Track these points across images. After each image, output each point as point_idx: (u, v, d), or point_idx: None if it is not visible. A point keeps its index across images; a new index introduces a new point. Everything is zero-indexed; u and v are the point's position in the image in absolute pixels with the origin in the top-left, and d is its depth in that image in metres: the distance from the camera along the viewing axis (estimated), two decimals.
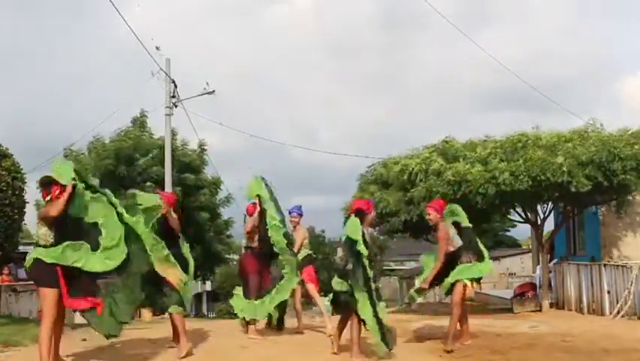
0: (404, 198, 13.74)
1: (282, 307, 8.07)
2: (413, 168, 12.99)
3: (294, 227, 8.50)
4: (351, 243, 6.12)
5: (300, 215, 8.60)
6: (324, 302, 7.99)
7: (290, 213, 8.48)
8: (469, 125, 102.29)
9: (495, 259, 33.81)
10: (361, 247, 6.01)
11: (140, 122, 19.59)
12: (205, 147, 20.69)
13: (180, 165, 19.09)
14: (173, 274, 6.23)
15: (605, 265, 12.28)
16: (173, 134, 19.74)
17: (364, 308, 6.07)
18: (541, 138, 12.25)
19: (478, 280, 7.38)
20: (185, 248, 6.79)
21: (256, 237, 7.94)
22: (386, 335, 6.18)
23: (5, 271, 14.14)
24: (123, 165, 17.75)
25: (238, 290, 7.97)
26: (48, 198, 5.41)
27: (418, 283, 7.67)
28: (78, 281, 5.32)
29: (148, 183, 17.66)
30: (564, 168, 11.27)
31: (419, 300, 7.98)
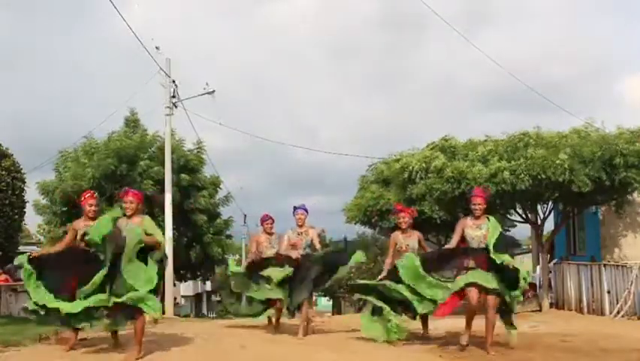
0: (404, 197, 13.76)
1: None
2: (413, 167, 13.02)
3: (300, 225, 8.23)
4: None
5: (307, 212, 8.34)
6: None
7: (295, 210, 8.25)
8: (469, 125, 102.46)
9: None
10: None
11: (133, 122, 19.50)
12: (203, 146, 20.62)
13: (178, 165, 19.07)
14: None
15: (605, 265, 12.28)
16: (172, 135, 19.68)
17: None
18: (544, 138, 12.26)
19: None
20: None
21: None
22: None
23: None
24: (124, 164, 17.72)
25: None
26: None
27: None
28: None
29: (150, 182, 17.61)
30: (565, 166, 11.27)
31: None
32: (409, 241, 7.68)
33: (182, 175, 19.01)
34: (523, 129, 12.64)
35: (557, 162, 11.32)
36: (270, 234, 8.76)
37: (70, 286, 6.33)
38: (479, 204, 6.81)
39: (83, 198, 7.08)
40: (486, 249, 6.59)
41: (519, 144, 12.16)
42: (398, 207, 8.17)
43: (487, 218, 6.82)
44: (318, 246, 8.16)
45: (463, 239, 6.82)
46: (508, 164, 11.74)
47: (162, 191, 16.95)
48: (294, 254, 7.93)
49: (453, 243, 6.86)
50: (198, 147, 20.51)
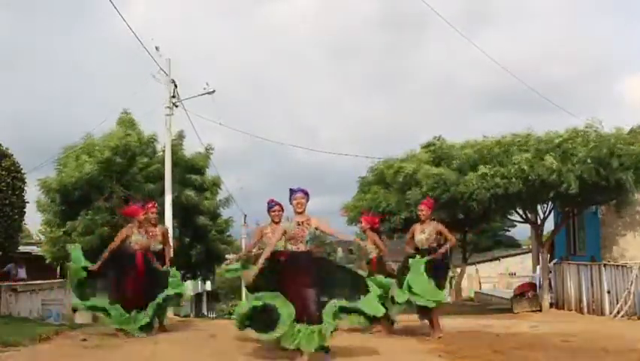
0: (404, 200, 13.82)
1: None
2: (408, 172, 13.14)
3: (300, 212, 6.16)
4: None
5: (307, 196, 6.28)
6: None
7: (293, 194, 6.24)
8: (469, 125, 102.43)
9: (495, 259, 33.96)
10: None
11: (128, 122, 19.47)
12: (211, 150, 20.72)
13: (186, 165, 19.18)
14: None
15: (605, 265, 12.28)
16: (181, 137, 19.76)
17: None
18: (530, 140, 12.28)
19: None
20: None
21: None
22: None
23: None
24: (123, 161, 17.74)
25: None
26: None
27: None
28: None
29: (152, 186, 17.63)
30: (554, 167, 11.33)
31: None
32: (365, 243, 8.79)
33: (194, 176, 19.14)
34: (513, 131, 12.75)
35: (546, 164, 11.37)
36: (278, 223, 7.14)
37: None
38: (421, 210, 8.16)
39: (137, 209, 8.36)
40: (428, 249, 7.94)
41: (512, 147, 12.23)
42: (362, 212, 9.55)
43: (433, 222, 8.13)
44: (329, 230, 6.44)
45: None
46: (502, 168, 11.80)
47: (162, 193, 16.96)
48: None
49: (407, 246, 8.34)
50: (207, 151, 20.59)
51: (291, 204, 6.28)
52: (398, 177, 13.49)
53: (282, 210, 7.25)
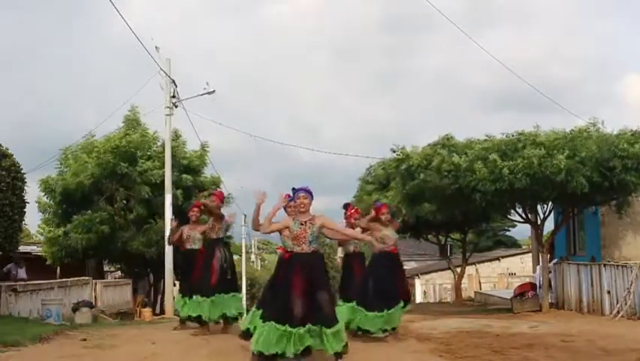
0: (402, 194, 13.72)
1: None
2: (413, 162, 13.00)
3: (303, 212, 5.99)
4: None
5: (311, 196, 6.07)
6: None
7: (296, 193, 6.07)
8: (471, 125, 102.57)
9: (495, 259, 33.98)
10: None
11: (133, 121, 19.48)
12: (207, 149, 20.70)
13: (180, 166, 19.11)
14: None
15: (605, 265, 12.27)
16: (177, 136, 19.74)
17: None
18: (540, 137, 12.26)
19: None
20: None
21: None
22: None
23: None
24: (124, 163, 17.76)
25: None
26: None
27: None
28: None
29: (147, 188, 17.61)
30: (562, 166, 11.30)
31: None
32: None
33: (185, 176, 19.06)
34: (520, 129, 12.69)
35: (555, 162, 11.35)
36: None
37: None
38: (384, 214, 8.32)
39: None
40: None
41: (517, 144, 12.19)
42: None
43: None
44: (336, 227, 6.31)
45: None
46: (507, 163, 11.77)
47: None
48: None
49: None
50: (202, 149, 20.57)
51: (293, 203, 6.12)
52: (402, 164, 13.29)
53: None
